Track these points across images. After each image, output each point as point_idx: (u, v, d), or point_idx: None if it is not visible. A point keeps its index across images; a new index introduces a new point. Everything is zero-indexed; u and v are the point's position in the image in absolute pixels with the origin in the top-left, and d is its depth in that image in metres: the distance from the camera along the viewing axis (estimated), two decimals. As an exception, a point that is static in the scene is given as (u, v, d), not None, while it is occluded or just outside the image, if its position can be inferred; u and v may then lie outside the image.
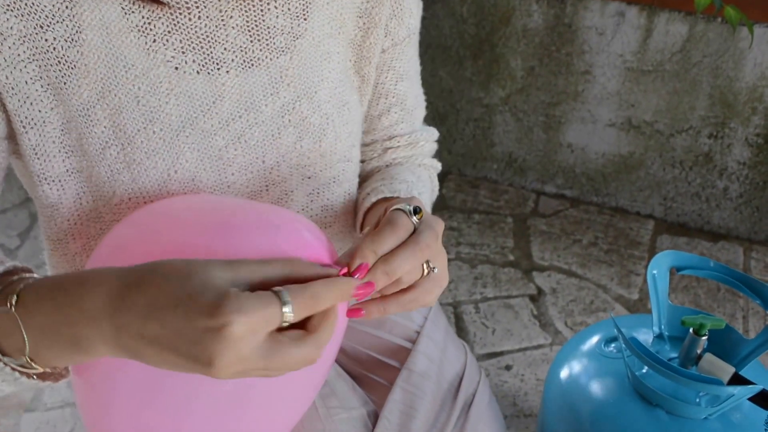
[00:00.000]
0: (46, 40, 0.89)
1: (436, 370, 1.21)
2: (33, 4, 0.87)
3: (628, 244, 2.96)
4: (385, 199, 1.09)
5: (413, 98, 1.24)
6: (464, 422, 1.17)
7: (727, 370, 1.25)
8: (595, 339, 1.59)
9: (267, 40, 1.01)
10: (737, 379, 1.24)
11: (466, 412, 1.18)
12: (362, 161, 1.26)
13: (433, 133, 1.29)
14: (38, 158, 0.95)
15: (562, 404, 1.53)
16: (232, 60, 0.99)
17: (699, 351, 1.31)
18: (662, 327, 1.47)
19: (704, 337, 1.30)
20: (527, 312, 2.63)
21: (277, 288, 0.67)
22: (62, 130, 0.94)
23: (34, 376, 0.78)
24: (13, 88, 0.90)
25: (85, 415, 0.87)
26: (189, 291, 0.64)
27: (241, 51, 1.00)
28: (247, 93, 1.02)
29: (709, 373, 1.27)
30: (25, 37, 0.88)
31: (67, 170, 0.98)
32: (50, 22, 0.89)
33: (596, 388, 1.47)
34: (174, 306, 0.64)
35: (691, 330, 1.31)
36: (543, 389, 1.66)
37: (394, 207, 0.86)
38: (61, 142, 0.95)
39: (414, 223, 0.85)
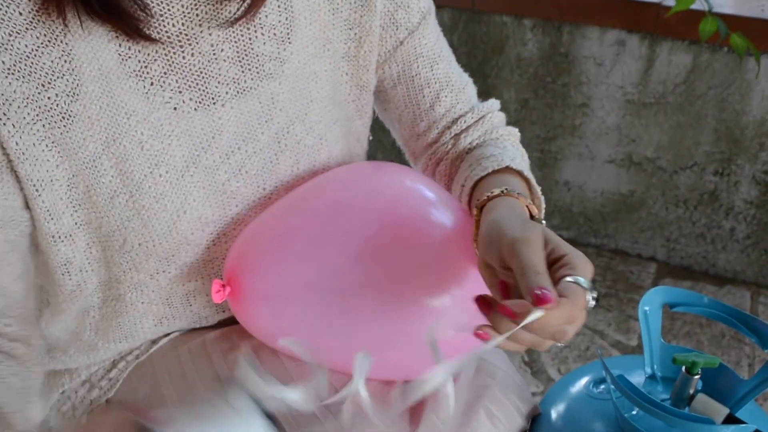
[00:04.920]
0: (48, 98, 0.92)
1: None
2: (33, 64, 0.91)
3: (627, 288, 2.95)
4: (481, 179, 1.11)
5: (458, 77, 1.27)
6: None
7: (721, 411, 1.24)
8: (584, 380, 1.57)
9: (257, 67, 1.06)
10: (731, 419, 1.23)
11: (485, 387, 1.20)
12: (438, 160, 1.28)
13: (495, 103, 1.31)
14: (52, 219, 1.00)
15: (549, 451, 1.52)
16: (226, 93, 1.04)
17: (692, 391, 1.30)
18: (654, 367, 1.46)
19: (697, 376, 1.29)
20: (518, 358, 2.61)
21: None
22: (68, 186, 0.98)
23: None
24: (23, 153, 0.93)
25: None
26: None
27: (234, 82, 1.04)
28: (243, 123, 1.07)
29: (702, 414, 1.27)
30: (28, 98, 0.92)
31: (76, 223, 1.02)
32: (51, 80, 0.92)
33: (584, 430, 1.46)
34: None
35: (683, 369, 1.31)
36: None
37: (569, 280, 0.84)
38: (68, 198, 0.99)
39: (588, 302, 0.85)
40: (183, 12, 0.98)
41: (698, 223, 2.97)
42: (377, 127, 1.36)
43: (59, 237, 1.02)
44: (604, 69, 2.82)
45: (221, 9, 1.01)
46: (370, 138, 1.33)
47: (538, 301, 0.78)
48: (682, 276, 3.04)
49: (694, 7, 2.19)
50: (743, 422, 1.23)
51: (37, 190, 0.97)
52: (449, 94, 1.24)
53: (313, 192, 1.12)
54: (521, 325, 0.79)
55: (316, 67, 1.13)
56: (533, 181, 1.14)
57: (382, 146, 1.29)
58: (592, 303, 0.84)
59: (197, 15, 1.00)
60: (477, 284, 1.00)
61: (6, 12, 0.89)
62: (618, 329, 2.73)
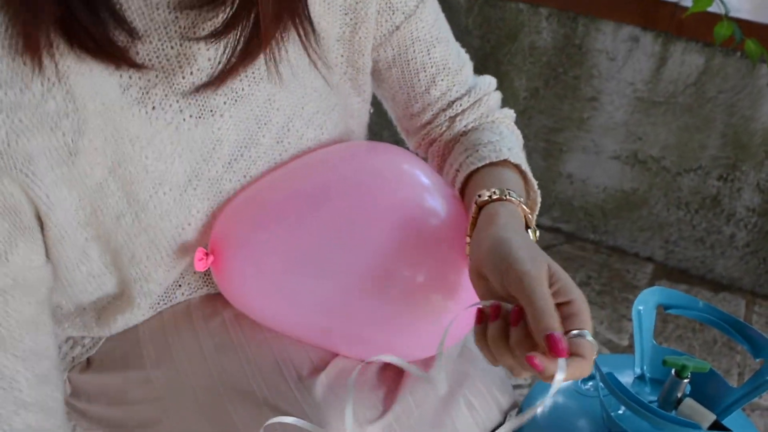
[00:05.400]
0: (56, 139, 0.93)
1: None
2: (42, 112, 0.91)
3: (623, 287, 2.95)
4: (478, 170, 1.13)
5: (455, 58, 1.25)
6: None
7: (708, 417, 1.24)
8: (570, 377, 1.57)
9: (252, 73, 1.06)
10: (717, 426, 1.23)
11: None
12: (432, 141, 1.29)
13: (491, 82, 1.31)
14: (69, 247, 1.04)
15: (532, 445, 1.51)
16: (224, 102, 1.04)
17: (679, 395, 1.30)
18: (644, 368, 1.45)
19: (686, 380, 1.28)
20: (507, 349, 2.61)
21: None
22: (76, 207, 1.00)
23: None
24: (47, 195, 0.96)
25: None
26: None
27: (232, 91, 1.05)
28: (242, 130, 1.07)
29: (688, 419, 1.26)
30: (42, 146, 0.93)
31: (86, 239, 1.04)
32: (57, 122, 0.93)
33: (569, 427, 1.45)
34: None
35: (673, 371, 1.30)
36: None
37: (576, 333, 0.86)
38: (77, 217, 1.01)
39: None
40: (165, 27, 0.98)
41: (698, 227, 2.97)
42: (382, 106, 1.35)
43: (76, 260, 1.06)
44: (616, 64, 2.81)
45: (204, 22, 1.01)
46: (371, 111, 1.32)
47: (554, 350, 0.80)
48: (678, 279, 3.03)
49: (710, 9, 2.18)
50: (729, 430, 1.22)
51: (49, 208, 0.98)
52: (446, 77, 1.24)
53: (303, 170, 1.13)
54: (553, 391, 0.83)
55: (305, 59, 1.12)
56: (530, 175, 1.15)
57: (389, 124, 1.28)
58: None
59: (180, 28, 0.99)
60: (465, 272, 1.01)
61: (12, 65, 0.89)
62: (610, 328, 2.73)
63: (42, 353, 1.06)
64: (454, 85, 1.25)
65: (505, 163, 1.13)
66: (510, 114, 1.31)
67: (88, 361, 1.26)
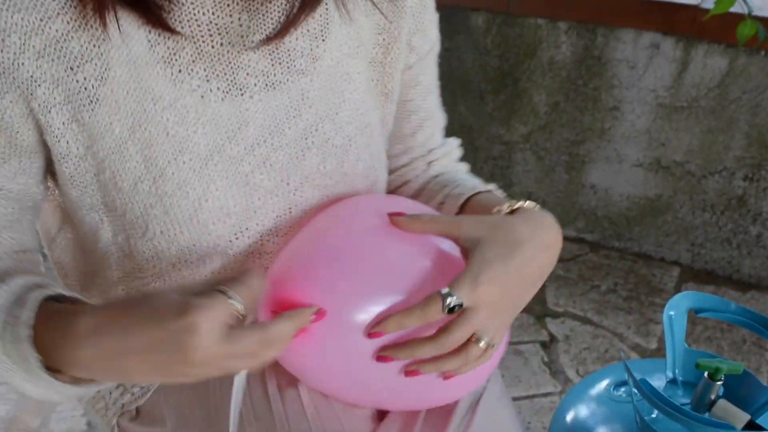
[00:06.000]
0: (77, 81, 0.93)
1: None
2: (62, 48, 0.91)
3: (649, 292, 2.95)
4: (468, 200, 1.18)
5: (440, 112, 1.31)
6: (468, 423, 1.12)
7: (742, 418, 1.24)
8: (604, 383, 1.57)
9: (288, 62, 1.05)
10: (751, 426, 1.23)
11: (473, 411, 1.14)
12: (405, 182, 1.33)
13: (455, 141, 1.37)
14: (74, 187, 1.01)
15: (566, 452, 1.52)
16: (255, 84, 1.03)
17: (713, 397, 1.30)
18: (676, 371, 1.45)
19: (719, 383, 1.28)
20: (537, 359, 2.62)
21: (219, 287, 0.83)
22: (97, 168, 0.99)
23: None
24: (51, 126, 0.95)
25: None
26: (157, 305, 0.81)
27: (263, 75, 1.03)
28: (270, 117, 1.05)
29: (722, 420, 1.26)
30: (57, 81, 0.93)
31: (104, 205, 1.03)
32: (80, 63, 0.93)
33: (603, 432, 1.45)
34: (147, 318, 0.80)
35: (705, 374, 1.30)
36: (548, 435, 1.65)
37: (446, 291, 0.91)
38: (98, 181, 1.00)
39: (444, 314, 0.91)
40: (214, 5, 0.98)
41: (724, 228, 2.96)
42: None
43: (81, 206, 1.04)
44: (636, 72, 2.81)
45: (263, 18, 1.02)
46: None
47: None
48: (705, 280, 3.03)
49: (732, 9, 2.17)
50: (764, 429, 1.22)
51: (63, 158, 0.98)
52: (431, 125, 1.29)
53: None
54: None
55: (350, 68, 1.12)
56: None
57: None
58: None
59: (228, 6, 0.99)
60: None
61: None
62: (638, 332, 2.73)
63: (23, 247, 1.06)
64: (433, 135, 1.31)
65: (490, 192, 1.20)
66: (466, 167, 1.38)
67: (137, 410, 1.25)
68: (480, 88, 3.09)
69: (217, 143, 1.02)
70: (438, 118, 1.31)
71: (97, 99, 0.94)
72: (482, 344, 0.94)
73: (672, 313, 1.45)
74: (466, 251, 0.96)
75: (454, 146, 1.36)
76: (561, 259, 3.00)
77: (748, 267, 3.00)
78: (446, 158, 1.33)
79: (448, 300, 0.89)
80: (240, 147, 1.04)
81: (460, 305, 0.90)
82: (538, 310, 2.86)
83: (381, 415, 1.14)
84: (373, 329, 0.93)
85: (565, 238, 3.26)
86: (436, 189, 1.25)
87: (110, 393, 1.24)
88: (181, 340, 0.78)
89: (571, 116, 3.01)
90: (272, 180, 1.08)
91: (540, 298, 2.92)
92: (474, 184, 1.21)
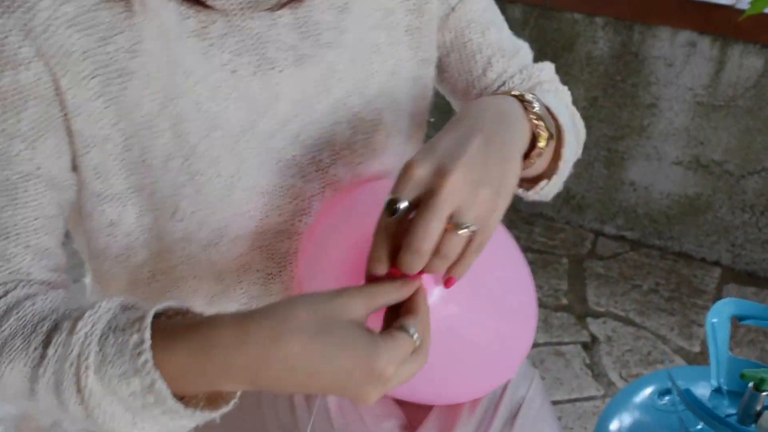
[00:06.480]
0: (107, 53, 0.90)
1: None
2: (94, 17, 0.89)
3: (691, 293, 2.92)
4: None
5: (510, 43, 1.21)
6: None
7: (790, 430, 1.22)
8: (648, 390, 1.55)
9: (315, 36, 1.03)
10: (799, 440, 1.21)
11: (512, 423, 1.12)
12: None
13: (550, 66, 1.25)
14: (99, 178, 0.97)
15: (610, 461, 1.50)
16: (285, 59, 1.01)
17: (759, 408, 1.28)
18: (720, 381, 1.43)
19: (765, 393, 1.27)
20: (579, 360, 2.59)
21: (405, 326, 0.80)
22: (124, 147, 0.95)
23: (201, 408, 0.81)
24: (79, 107, 0.91)
25: None
26: (342, 338, 0.76)
27: (292, 49, 1.01)
28: (300, 91, 1.03)
29: (769, 433, 1.24)
30: (87, 52, 0.89)
31: (129, 188, 0.99)
32: (111, 35, 0.90)
33: (648, 443, 1.43)
34: (334, 353, 0.75)
35: (750, 385, 1.28)
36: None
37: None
38: (123, 160, 0.96)
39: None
40: None
41: (765, 229, 2.93)
42: (439, 113, 1.34)
43: (104, 198, 0.99)
44: (674, 70, 2.79)
45: None
46: (432, 121, 1.31)
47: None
48: (746, 282, 2.99)
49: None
50: (813, 443, 1.20)
51: (86, 147, 0.94)
52: (501, 59, 1.19)
53: None
54: None
55: (378, 39, 1.10)
56: (561, 121, 1.05)
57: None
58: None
59: None
60: None
61: None
62: (681, 334, 2.70)
63: (53, 258, 0.97)
64: (509, 67, 1.20)
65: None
66: (563, 90, 1.26)
67: None
68: (517, 86, 3.04)
69: (249, 119, 1.00)
70: (509, 49, 1.19)
71: (127, 72, 0.92)
72: (462, 231, 0.81)
73: (714, 320, 1.42)
74: None
75: (541, 69, 1.22)
76: (601, 257, 3.03)
77: (790, 268, 2.96)
78: (524, 83, 1.20)
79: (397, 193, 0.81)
80: (272, 123, 1.02)
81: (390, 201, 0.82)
82: (579, 309, 2.83)
83: (412, 426, 1.12)
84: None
85: (605, 235, 3.26)
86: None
87: None
88: (367, 388, 0.77)
89: (610, 112, 2.99)
90: (304, 156, 1.06)
91: (581, 296, 2.90)
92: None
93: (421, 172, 0.80)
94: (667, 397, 1.51)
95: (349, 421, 1.08)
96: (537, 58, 1.25)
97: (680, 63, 2.76)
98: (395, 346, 0.76)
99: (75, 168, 0.97)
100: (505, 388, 1.16)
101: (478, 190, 0.81)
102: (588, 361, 2.60)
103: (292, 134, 1.04)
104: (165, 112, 0.95)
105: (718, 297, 2.89)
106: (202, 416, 0.80)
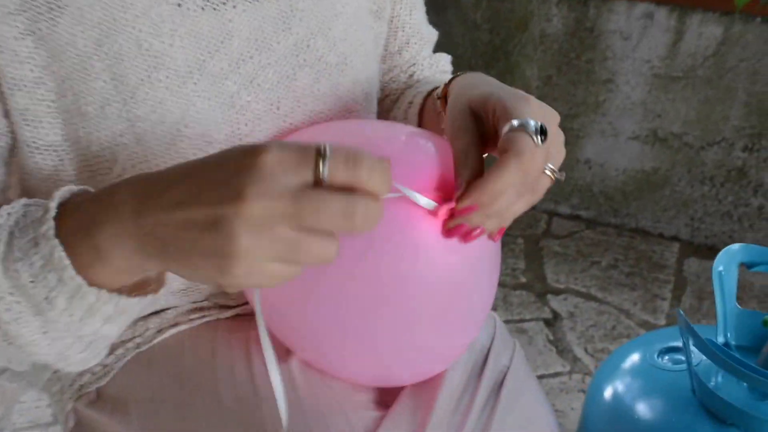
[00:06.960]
0: None
1: None
2: None
3: (651, 267, 2.89)
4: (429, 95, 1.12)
5: (426, 28, 1.25)
6: (494, 405, 1.02)
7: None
8: (644, 352, 1.47)
9: None
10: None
11: (497, 392, 1.03)
12: (386, 96, 1.25)
13: (445, 56, 1.32)
14: (27, 124, 0.87)
15: (609, 430, 1.41)
16: None
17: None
18: (728, 335, 1.36)
19: (788, 339, 1.20)
20: (542, 337, 2.54)
21: (321, 142, 0.62)
22: (57, 93, 0.86)
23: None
24: (1, 45, 0.82)
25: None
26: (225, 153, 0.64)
27: None
28: (256, 29, 0.95)
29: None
30: None
31: (64, 138, 0.90)
32: None
33: (652, 406, 1.35)
34: (205, 162, 0.64)
35: (771, 333, 1.21)
36: (582, 414, 1.55)
37: (518, 122, 0.79)
38: (57, 107, 0.87)
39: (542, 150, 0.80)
40: None
41: (725, 200, 2.90)
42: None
43: (36, 148, 0.89)
44: (630, 43, 2.76)
45: None
46: None
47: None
48: (707, 255, 2.97)
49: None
50: None
51: (10, 89, 0.84)
52: (418, 41, 1.22)
53: None
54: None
55: None
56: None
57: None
58: (540, 141, 0.78)
59: None
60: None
61: None
62: (644, 309, 2.67)
63: None
64: (422, 50, 1.23)
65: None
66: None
67: (98, 394, 1.10)
68: (471, 64, 3.03)
69: (197, 58, 0.90)
70: (425, 34, 1.24)
71: (57, 6, 0.82)
72: (548, 171, 0.83)
73: (721, 268, 1.35)
74: (486, 113, 0.85)
75: (442, 59, 1.29)
76: (557, 236, 2.98)
77: (751, 240, 2.93)
78: (431, 69, 1.26)
79: (532, 124, 0.78)
80: (223, 63, 0.92)
81: (542, 126, 0.79)
82: (538, 287, 2.80)
83: (385, 402, 1.01)
84: (452, 224, 0.80)
85: (561, 215, 3.24)
86: (411, 92, 1.17)
87: (67, 373, 1.10)
88: (240, 176, 0.60)
89: (565, 90, 2.95)
90: (260, 103, 0.96)
91: (539, 274, 2.86)
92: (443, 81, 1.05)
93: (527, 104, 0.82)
94: (667, 356, 1.44)
95: (318, 393, 0.98)
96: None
97: (637, 35, 2.73)
98: (290, 144, 0.62)
99: (7, 114, 0.87)
100: (486, 356, 1.09)
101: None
102: (551, 338, 2.55)
103: (247, 77, 0.95)
104: (101, 50, 0.85)
105: (679, 270, 2.88)
106: (110, 302, 0.73)
